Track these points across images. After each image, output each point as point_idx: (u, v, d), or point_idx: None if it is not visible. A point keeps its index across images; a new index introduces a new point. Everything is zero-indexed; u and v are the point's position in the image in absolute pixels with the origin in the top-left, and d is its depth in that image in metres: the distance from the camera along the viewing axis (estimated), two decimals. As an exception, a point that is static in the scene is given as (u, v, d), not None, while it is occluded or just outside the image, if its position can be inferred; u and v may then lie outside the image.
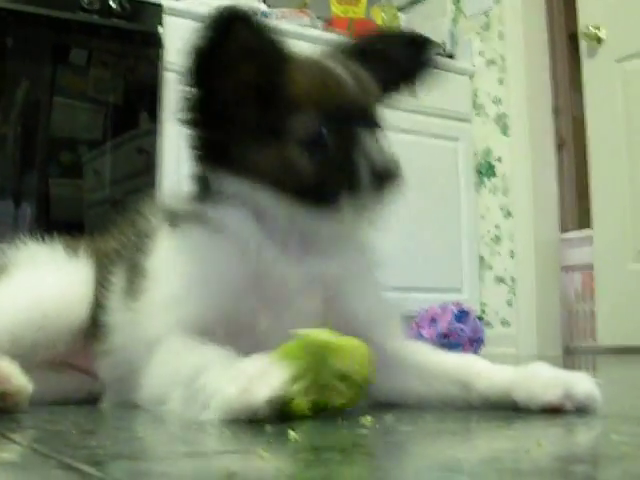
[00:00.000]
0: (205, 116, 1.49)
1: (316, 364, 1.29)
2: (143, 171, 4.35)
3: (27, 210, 4.04)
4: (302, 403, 1.25)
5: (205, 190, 1.55)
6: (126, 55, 4.44)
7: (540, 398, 1.33)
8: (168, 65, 4.47)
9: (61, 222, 4.06)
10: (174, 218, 1.57)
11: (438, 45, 1.75)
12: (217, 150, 1.52)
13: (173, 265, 1.52)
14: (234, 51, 1.43)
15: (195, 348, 1.37)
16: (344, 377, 1.31)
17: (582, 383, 1.33)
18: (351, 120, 1.46)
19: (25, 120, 4.15)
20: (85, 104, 4.33)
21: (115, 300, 1.66)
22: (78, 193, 4.27)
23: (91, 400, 1.66)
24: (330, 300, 1.50)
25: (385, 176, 1.42)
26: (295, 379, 1.23)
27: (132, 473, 0.84)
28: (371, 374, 1.35)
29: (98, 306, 1.68)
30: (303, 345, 1.30)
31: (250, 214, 1.50)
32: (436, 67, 1.70)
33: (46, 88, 4.17)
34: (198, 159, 1.55)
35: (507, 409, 1.39)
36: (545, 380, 1.35)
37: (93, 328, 1.67)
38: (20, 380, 1.41)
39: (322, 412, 1.27)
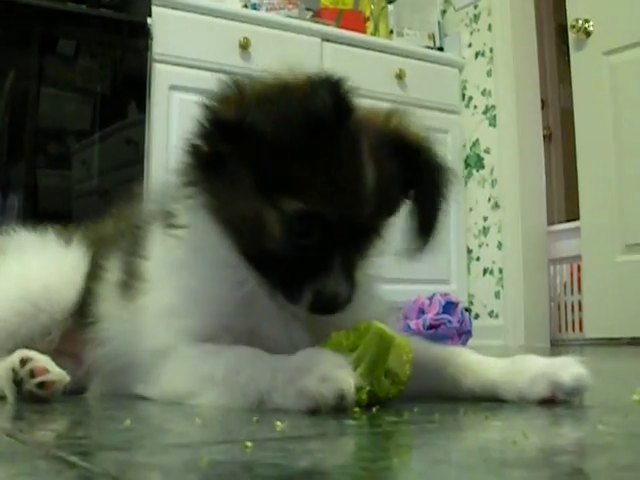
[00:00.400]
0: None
1: (378, 356, 1.32)
2: (131, 162, 4.34)
3: (15, 201, 4.03)
4: (363, 393, 1.27)
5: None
6: (114, 45, 4.42)
7: (529, 394, 1.34)
8: (156, 56, 4.46)
9: (49, 213, 4.04)
10: (167, 219, 1.56)
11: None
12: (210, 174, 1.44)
13: (171, 273, 1.53)
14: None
15: (221, 349, 1.42)
16: (391, 373, 1.33)
17: (567, 369, 1.33)
18: (343, 233, 1.39)
19: (12, 111, 4.13)
20: (73, 94, 4.31)
21: (107, 291, 1.66)
22: (66, 184, 4.25)
23: (79, 390, 1.66)
24: None
25: (321, 309, 1.40)
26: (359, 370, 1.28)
27: (118, 464, 0.84)
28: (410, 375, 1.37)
29: (88, 293, 1.68)
30: (371, 335, 1.34)
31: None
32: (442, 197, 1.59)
33: (34, 78, 4.15)
34: (192, 167, 1.47)
35: (491, 400, 1.39)
36: (531, 375, 1.35)
37: (83, 314, 1.67)
38: (57, 371, 1.48)
39: (374, 404, 1.29)
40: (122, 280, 1.63)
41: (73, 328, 1.69)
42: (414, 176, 1.50)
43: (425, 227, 1.54)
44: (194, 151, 1.44)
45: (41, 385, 1.45)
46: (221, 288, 1.47)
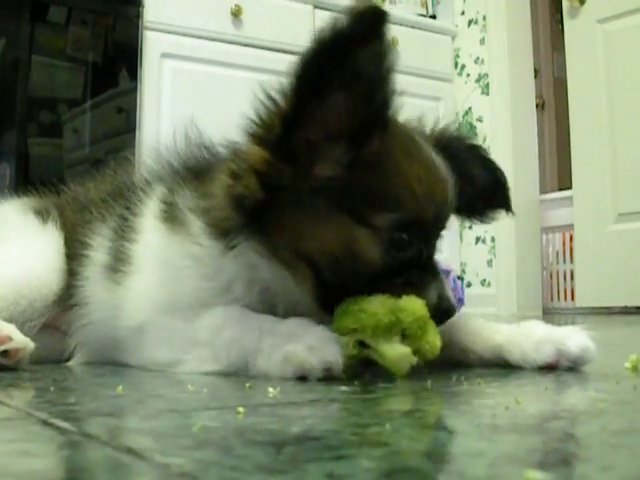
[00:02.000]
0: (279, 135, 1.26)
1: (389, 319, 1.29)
2: (123, 130, 4.33)
3: (6, 170, 4.02)
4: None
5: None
6: (106, 13, 4.40)
7: (533, 358, 1.34)
8: (148, 24, 4.44)
9: (41, 181, 4.03)
10: (165, 209, 1.52)
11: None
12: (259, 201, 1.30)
13: (160, 260, 1.51)
14: (352, 68, 1.20)
15: (205, 311, 1.39)
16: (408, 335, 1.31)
17: (574, 338, 1.34)
18: (437, 230, 1.38)
19: (3, 79, 4.11)
20: (64, 63, 4.29)
21: (93, 273, 1.63)
22: (58, 152, 4.24)
23: (66, 359, 1.66)
24: None
25: (445, 316, 1.36)
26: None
27: (109, 429, 0.84)
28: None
29: (72, 274, 1.66)
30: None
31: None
32: (509, 210, 1.62)
33: (24, 46, 4.12)
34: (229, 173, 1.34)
35: (486, 367, 1.39)
36: (537, 339, 1.36)
37: (68, 296, 1.66)
38: (21, 338, 1.45)
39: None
40: (109, 263, 1.60)
41: (60, 308, 1.67)
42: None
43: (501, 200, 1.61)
44: (236, 198, 1.31)
45: (4, 353, 1.41)
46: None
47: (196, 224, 1.42)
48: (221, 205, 1.34)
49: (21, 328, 1.54)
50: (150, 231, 1.53)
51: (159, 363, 1.43)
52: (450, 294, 1.35)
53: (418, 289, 1.32)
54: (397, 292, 1.29)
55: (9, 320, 1.52)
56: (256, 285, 1.39)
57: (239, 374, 1.29)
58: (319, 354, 1.20)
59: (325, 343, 1.22)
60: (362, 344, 1.27)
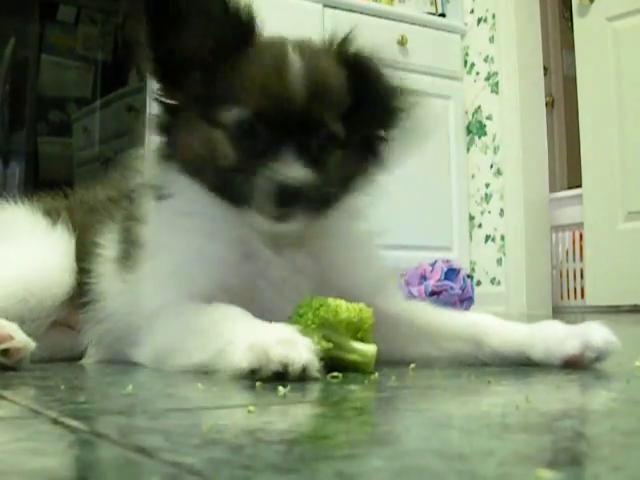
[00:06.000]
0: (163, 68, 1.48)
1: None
2: (132, 129, 4.33)
3: (16, 168, 4.03)
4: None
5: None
6: (115, 12, 4.40)
7: (558, 351, 1.35)
8: (157, 22, 4.44)
9: (50, 181, 4.04)
10: (157, 192, 1.55)
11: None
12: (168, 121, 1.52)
13: (168, 240, 1.52)
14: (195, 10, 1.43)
15: (204, 307, 1.40)
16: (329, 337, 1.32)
17: (597, 331, 1.34)
18: (285, 126, 1.41)
19: (13, 78, 4.12)
20: (74, 62, 4.30)
21: (105, 268, 1.65)
22: (67, 151, 4.25)
23: (79, 357, 1.66)
24: (324, 272, 1.50)
25: (282, 200, 1.38)
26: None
27: (119, 428, 0.84)
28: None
29: (83, 272, 1.67)
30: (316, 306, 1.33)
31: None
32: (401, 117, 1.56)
33: (34, 46, 4.13)
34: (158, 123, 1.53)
35: (497, 366, 1.39)
36: (561, 334, 1.37)
37: (80, 294, 1.67)
38: (22, 337, 1.43)
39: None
40: (120, 254, 1.62)
41: (72, 306, 1.68)
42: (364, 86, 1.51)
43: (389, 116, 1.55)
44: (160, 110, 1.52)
45: (5, 352, 1.40)
46: (216, 247, 1.47)
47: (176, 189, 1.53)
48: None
49: (30, 326, 1.54)
50: (151, 215, 1.57)
51: (160, 353, 1.43)
52: (295, 172, 1.38)
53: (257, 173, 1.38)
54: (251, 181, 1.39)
55: (19, 317, 1.53)
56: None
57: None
58: (290, 346, 1.19)
59: (294, 337, 1.21)
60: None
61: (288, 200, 1.38)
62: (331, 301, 1.33)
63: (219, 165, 1.43)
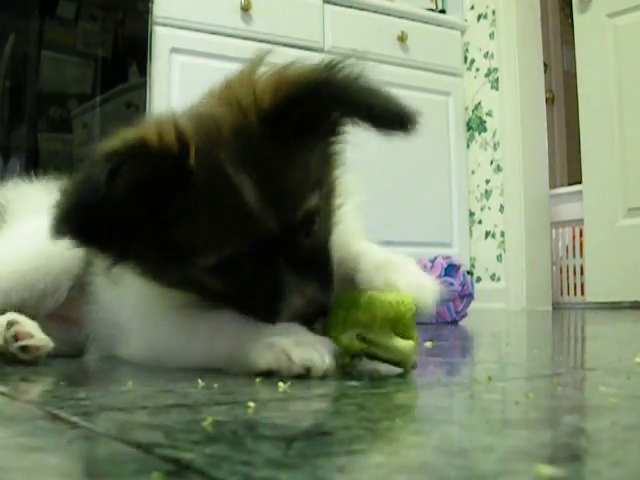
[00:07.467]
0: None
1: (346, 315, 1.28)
2: (132, 125, 4.33)
3: (16, 165, 4.02)
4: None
5: None
6: (115, 8, 4.40)
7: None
8: (157, 19, 4.44)
9: (50, 177, 4.03)
10: None
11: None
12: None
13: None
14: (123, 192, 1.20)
15: (202, 313, 1.37)
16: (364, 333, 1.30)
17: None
18: (268, 247, 1.25)
19: (13, 74, 4.11)
20: (74, 58, 4.30)
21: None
22: (67, 147, 4.25)
23: (79, 353, 1.66)
24: None
25: (303, 318, 1.27)
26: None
27: (119, 424, 0.84)
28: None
29: (88, 264, 1.67)
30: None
31: None
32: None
33: (34, 42, 4.13)
34: None
35: (496, 362, 1.39)
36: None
37: (83, 283, 1.67)
38: (41, 336, 1.50)
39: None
40: None
41: (74, 296, 1.68)
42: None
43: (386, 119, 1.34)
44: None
45: (24, 349, 1.46)
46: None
47: None
48: None
49: (35, 309, 1.61)
50: None
51: (158, 349, 1.42)
52: (304, 291, 1.26)
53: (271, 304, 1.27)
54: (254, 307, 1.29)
55: (23, 302, 1.60)
56: None
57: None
58: (304, 348, 1.19)
59: (312, 338, 1.21)
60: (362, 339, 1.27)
61: (309, 319, 1.28)
62: (365, 298, 1.28)
63: (214, 293, 1.32)
